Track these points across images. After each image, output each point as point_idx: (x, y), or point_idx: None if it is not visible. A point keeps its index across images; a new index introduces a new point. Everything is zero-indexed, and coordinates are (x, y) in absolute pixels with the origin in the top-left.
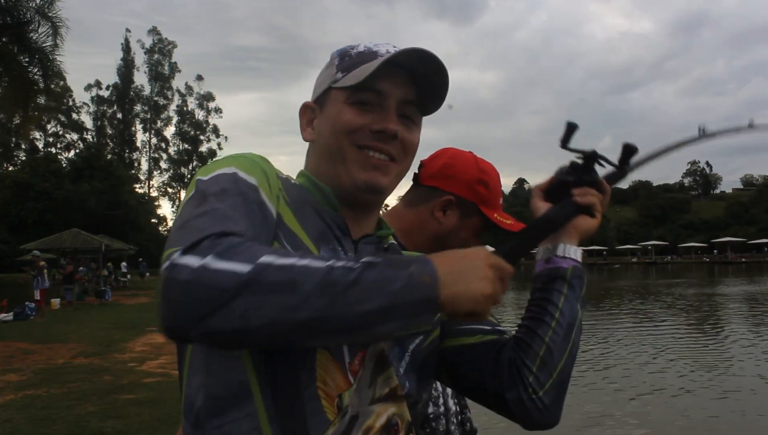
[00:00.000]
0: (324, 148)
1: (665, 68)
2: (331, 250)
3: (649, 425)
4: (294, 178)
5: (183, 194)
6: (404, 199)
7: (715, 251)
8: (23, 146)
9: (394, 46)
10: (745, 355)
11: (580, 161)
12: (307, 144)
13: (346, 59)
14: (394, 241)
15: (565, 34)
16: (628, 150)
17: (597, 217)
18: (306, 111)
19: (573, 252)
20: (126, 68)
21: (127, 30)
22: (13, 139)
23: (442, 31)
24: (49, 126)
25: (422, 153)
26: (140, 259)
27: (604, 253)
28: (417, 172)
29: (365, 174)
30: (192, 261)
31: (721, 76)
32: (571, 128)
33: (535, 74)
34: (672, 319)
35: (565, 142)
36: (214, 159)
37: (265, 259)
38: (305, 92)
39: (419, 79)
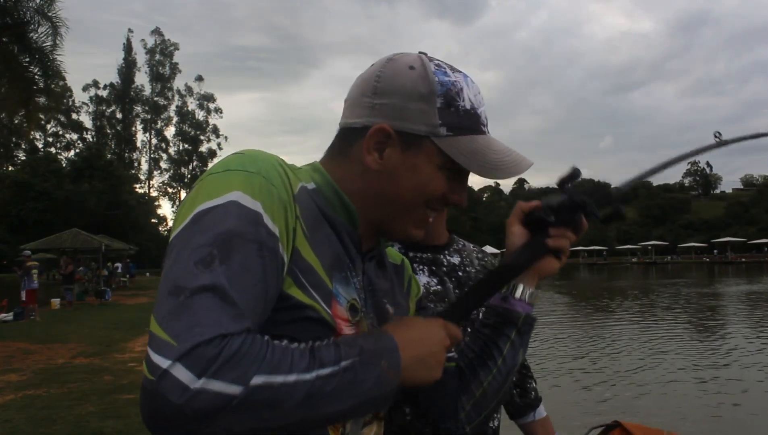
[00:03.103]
0: (393, 194)
1: (666, 68)
2: (342, 279)
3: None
4: (303, 175)
5: (183, 194)
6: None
7: (715, 251)
8: (23, 146)
9: (484, 110)
10: (743, 355)
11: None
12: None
13: (452, 111)
14: (383, 249)
15: (565, 33)
16: (605, 195)
17: (562, 261)
18: (379, 135)
19: (529, 296)
20: (127, 68)
21: (130, 30)
22: (13, 139)
23: (443, 30)
24: (48, 126)
25: None
26: (128, 260)
27: (604, 253)
28: None
29: (417, 232)
30: (187, 378)
31: (722, 76)
32: (575, 174)
33: (535, 74)
34: (671, 318)
35: (563, 183)
36: (218, 170)
37: (256, 380)
38: (305, 92)
39: None
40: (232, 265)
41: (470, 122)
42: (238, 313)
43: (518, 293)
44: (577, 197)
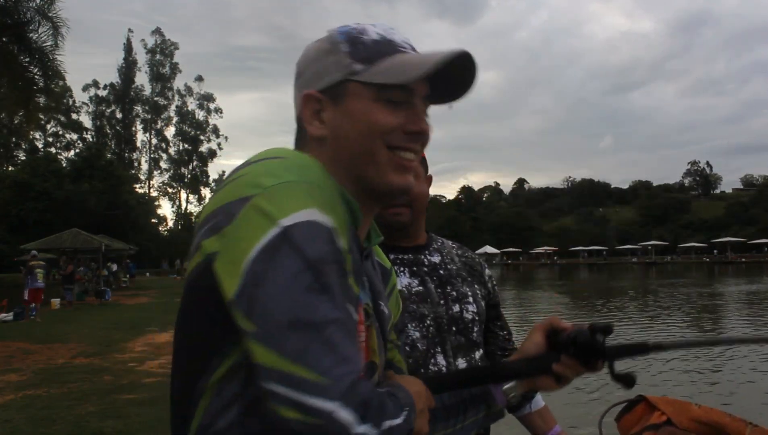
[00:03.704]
0: (347, 149)
1: (666, 68)
2: (361, 284)
3: None
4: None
5: (183, 194)
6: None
7: (715, 251)
8: (23, 146)
9: (406, 40)
10: (741, 357)
11: (596, 338)
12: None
13: (360, 47)
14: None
15: (565, 33)
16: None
17: (561, 385)
18: (309, 102)
19: (512, 396)
20: (127, 68)
21: (130, 30)
22: (13, 139)
23: (443, 30)
24: (48, 126)
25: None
26: (128, 261)
27: (604, 253)
28: None
29: (400, 178)
30: (349, 420)
31: (722, 76)
32: (608, 330)
33: (535, 74)
34: (668, 317)
35: (594, 331)
36: (280, 180)
37: (385, 424)
38: None
39: (441, 75)
40: (335, 293)
41: (384, 48)
42: (357, 355)
43: (506, 387)
44: (603, 348)
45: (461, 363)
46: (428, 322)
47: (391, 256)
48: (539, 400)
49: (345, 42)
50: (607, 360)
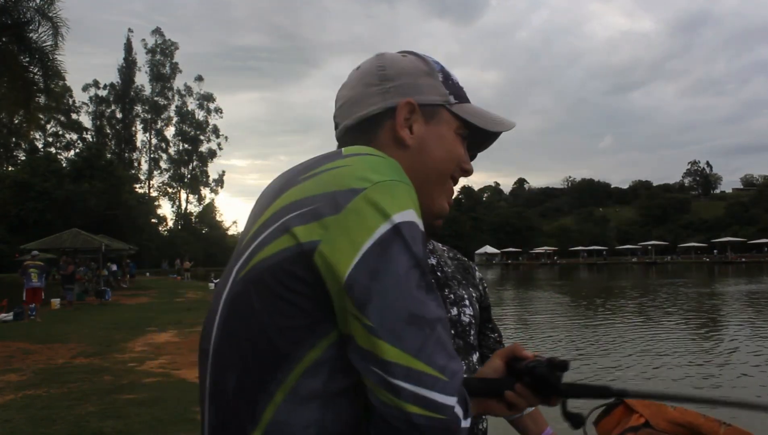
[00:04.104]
0: (427, 165)
1: (666, 68)
2: None
3: None
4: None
5: (183, 195)
6: None
7: (715, 251)
8: (23, 146)
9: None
10: (733, 353)
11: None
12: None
13: (450, 83)
14: None
15: (565, 33)
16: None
17: (511, 412)
18: (406, 109)
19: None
20: (127, 68)
21: (130, 30)
22: (13, 139)
23: (443, 30)
24: (48, 126)
25: None
26: (128, 261)
27: (604, 252)
28: None
29: (448, 205)
30: (461, 414)
31: (722, 75)
32: (564, 367)
33: (535, 74)
34: (670, 317)
35: (552, 367)
36: (386, 178)
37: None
38: (305, 92)
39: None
40: (436, 292)
41: (463, 92)
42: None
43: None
44: (558, 384)
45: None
46: None
47: None
48: None
49: (440, 72)
50: (561, 396)
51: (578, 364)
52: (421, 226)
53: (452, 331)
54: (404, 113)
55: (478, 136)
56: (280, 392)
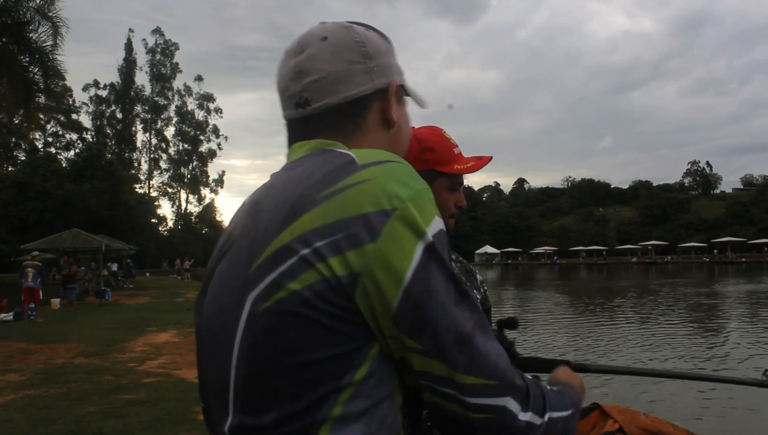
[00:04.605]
0: (401, 149)
1: (667, 67)
2: None
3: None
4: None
5: (183, 195)
6: None
7: (715, 251)
8: (23, 146)
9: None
10: (740, 355)
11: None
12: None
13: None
14: None
15: (566, 33)
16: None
17: None
18: (396, 90)
19: None
20: (127, 68)
21: (130, 30)
22: (13, 139)
23: (444, 30)
24: (48, 126)
25: None
26: (128, 261)
27: (604, 252)
28: None
29: None
30: (516, 408)
31: (722, 75)
32: (512, 323)
33: (536, 74)
34: (670, 318)
35: (501, 326)
36: (415, 186)
37: (554, 415)
38: None
39: None
40: (470, 295)
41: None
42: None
43: None
44: (509, 347)
45: None
46: None
47: None
48: None
49: (392, 47)
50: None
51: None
52: (444, 226)
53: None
54: (396, 96)
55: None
56: (327, 421)
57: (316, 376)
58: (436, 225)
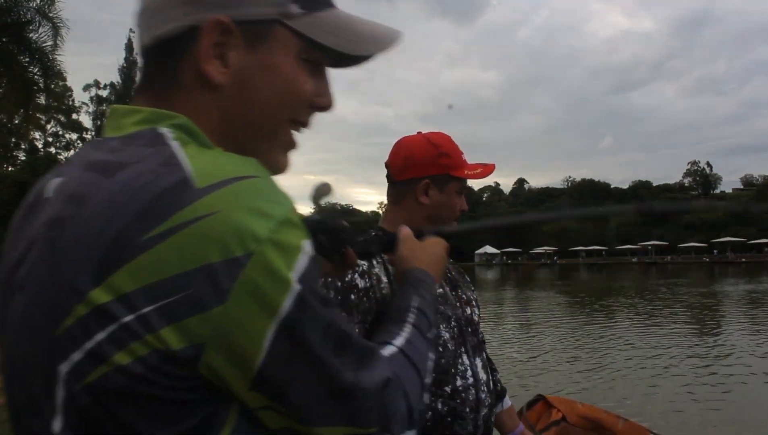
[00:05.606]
0: (252, 115)
1: (667, 67)
2: None
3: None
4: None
5: None
6: (390, 200)
7: (715, 251)
8: (23, 146)
9: None
10: (742, 355)
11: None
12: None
13: None
14: None
15: (566, 33)
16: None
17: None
18: (215, 32)
19: None
20: (128, 68)
21: (131, 30)
22: (13, 139)
23: (444, 30)
24: (48, 126)
25: None
26: None
27: (604, 252)
28: (387, 173)
29: (285, 159)
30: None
31: (723, 75)
32: (325, 190)
33: (536, 73)
34: (670, 318)
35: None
36: (267, 224)
37: (426, 382)
38: None
39: None
40: (351, 335)
41: None
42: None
43: None
44: (337, 225)
45: (479, 362)
46: (452, 323)
47: None
48: (507, 401)
49: None
50: (352, 247)
51: (579, 363)
52: (312, 251)
53: (468, 329)
54: (213, 37)
55: (343, 60)
56: None
57: None
58: (302, 260)
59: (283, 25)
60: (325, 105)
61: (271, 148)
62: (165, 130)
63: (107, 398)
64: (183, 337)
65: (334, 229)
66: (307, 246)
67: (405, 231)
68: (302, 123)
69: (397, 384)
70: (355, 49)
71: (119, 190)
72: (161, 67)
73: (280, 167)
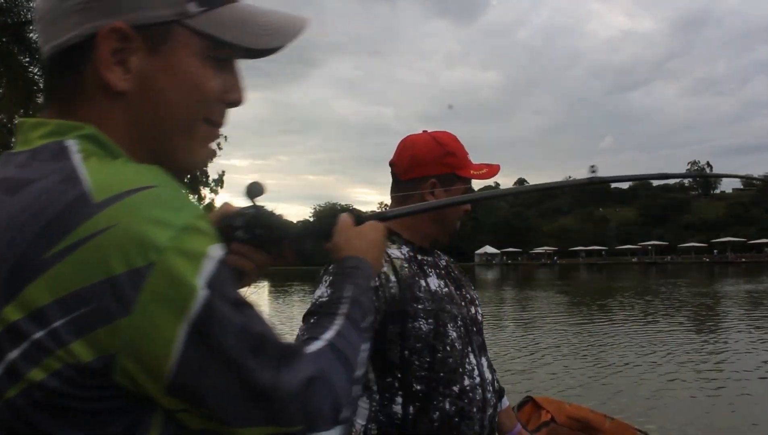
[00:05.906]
0: (162, 119)
1: (667, 67)
2: None
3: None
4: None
5: None
6: (395, 200)
7: (715, 251)
8: None
9: None
10: (731, 354)
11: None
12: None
13: None
14: None
15: (566, 33)
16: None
17: (244, 282)
18: (112, 39)
19: None
20: None
21: None
22: (13, 139)
23: (444, 30)
24: None
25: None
26: None
27: (604, 253)
28: (393, 172)
29: (206, 152)
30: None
31: (722, 75)
32: (257, 190)
33: (536, 73)
34: (670, 318)
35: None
36: (167, 232)
37: (357, 374)
38: (305, 91)
39: None
40: (267, 336)
41: None
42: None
43: None
44: (271, 217)
45: (484, 362)
46: (459, 322)
47: (419, 258)
48: (505, 401)
49: None
50: (288, 239)
51: (579, 366)
52: (222, 254)
53: (474, 328)
54: (110, 45)
55: (251, 53)
56: None
57: None
58: (209, 265)
59: (182, 25)
60: (235, 100)
61: (188, 146)
62: (71, 143)
63: (27, 413)
64: (92, 349)
65: (268, 222)
66: (213, 250)
67: (343, 218)
68: (215, 120)
69: (323, 381)
70: (258, 42)
71: (21, 208)
72: (64, 78)
73: (201, 162)
